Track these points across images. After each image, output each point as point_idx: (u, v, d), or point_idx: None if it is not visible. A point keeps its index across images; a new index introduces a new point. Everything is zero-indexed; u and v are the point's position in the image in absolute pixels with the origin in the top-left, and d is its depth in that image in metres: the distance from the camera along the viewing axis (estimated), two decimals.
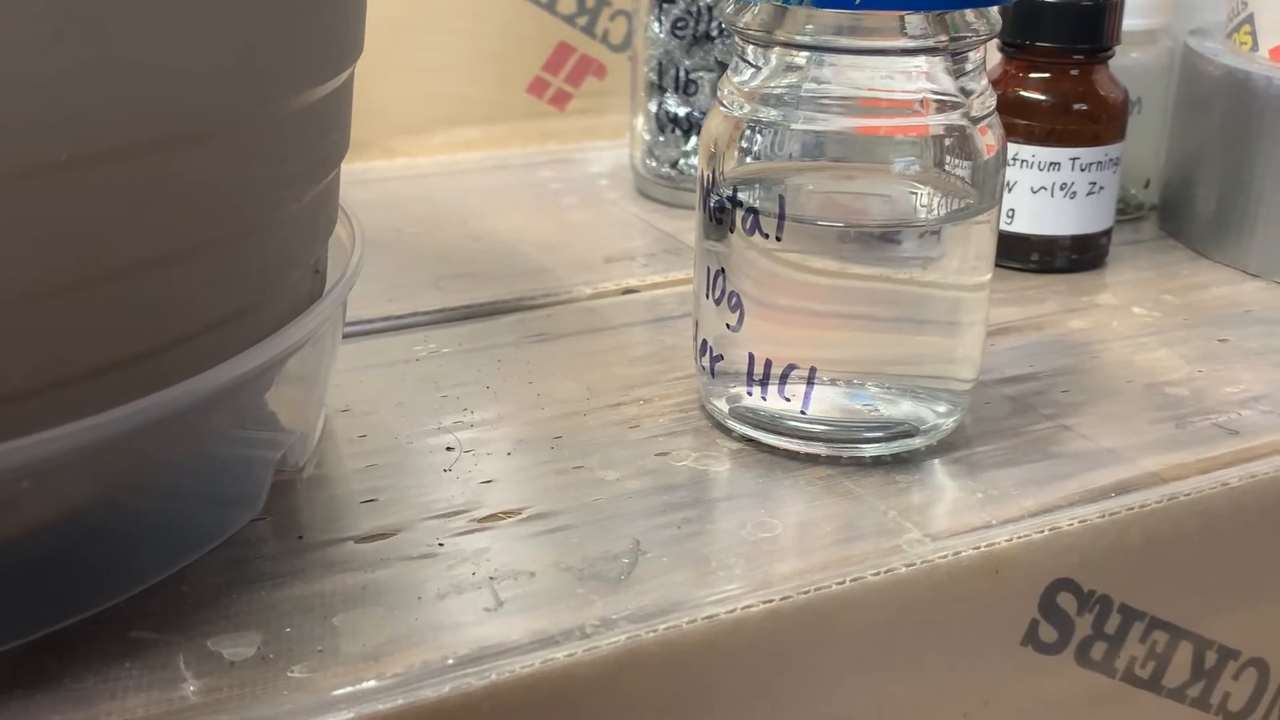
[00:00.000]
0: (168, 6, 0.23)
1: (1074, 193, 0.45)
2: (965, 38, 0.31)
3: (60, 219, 0.23)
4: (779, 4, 0.30)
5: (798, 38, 0.31)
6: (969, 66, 0.32)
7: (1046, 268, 0.46)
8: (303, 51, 0.27)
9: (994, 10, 0.31)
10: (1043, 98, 0.45)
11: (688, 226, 0.50)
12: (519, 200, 0.54)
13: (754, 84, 0.32)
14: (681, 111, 0.51)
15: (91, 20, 0.22)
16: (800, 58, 0.32)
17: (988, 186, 0.32)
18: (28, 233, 0.22)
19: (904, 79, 0.31)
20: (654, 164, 0.53)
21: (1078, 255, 0.46)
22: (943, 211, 0.32)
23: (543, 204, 0.54)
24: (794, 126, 0.32)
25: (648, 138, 0.53)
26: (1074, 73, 0.45)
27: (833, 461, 0.33)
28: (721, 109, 0.33)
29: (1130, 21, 0.47)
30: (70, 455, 0.24)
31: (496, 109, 0.60)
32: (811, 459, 0.33)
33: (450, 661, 0.25)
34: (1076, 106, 0.45)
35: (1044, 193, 0.45)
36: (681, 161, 0.52)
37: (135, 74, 0.23)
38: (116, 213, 0.23)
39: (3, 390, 0.23)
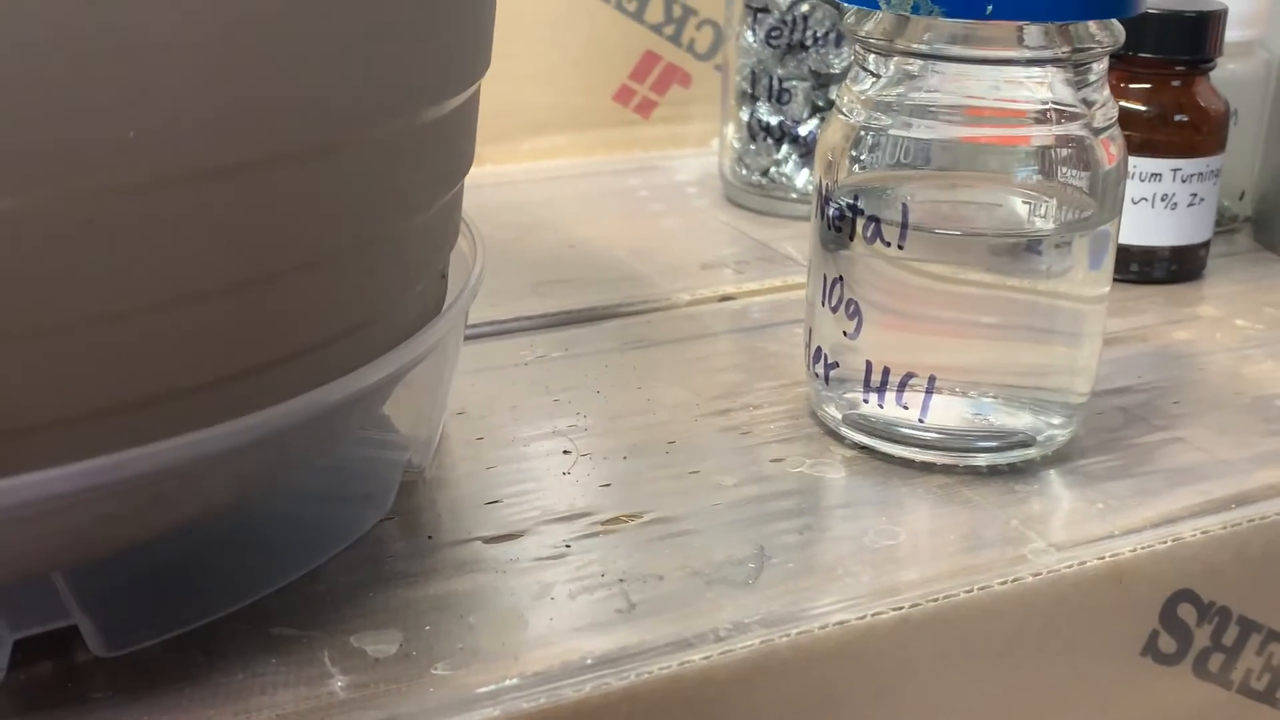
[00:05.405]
0: (327, 20, 0.23)
1: (1175, 204, 0.44)
2: (1089, 49, 0.31)
3: (217, 224, 0.23)
4: (904, 13, 0.31)
5: (916, 46, 0.31)
6: (1092, 77, 0.32)
7: (1145, 278, 0.46)
8: (442, 64, 0.28)
9: (1117, 22, 0.31)
10: (1143, 108, 0.45)
11: (779, 235, 0.50)
12: (608, 207, 0.54)
13: (872, 92, 0.32)
14: (773, 120, 0.52)
15: (254, 31, 0.22)
16: (915, 66, 0.32)
17: (1109, 197, 0.32)
18: (185, 236, 0.23)
19: (1017, 88, 0.31)
20: (744, 172, 0.53)
21: (1176, 266, 0.46)
22: (1061, 222, 0.32)
23: (632, 211, 0.54)
24: (908, 134, 0.32)
25: (738, 146, 0.53)
26: (1175, 84, 0.45)
27: (948, 470, 0.33)
28: (840, 116, 0.33)
29: (1227, 33, 0.46)
30: (214, 459, 0.24)
31: (583, 117, 0.60)
32: (926, 467, 0.33)
33: (589, 662, 0.25)
34: (1177, 118, 0.44)
35: (1145, 203, 0.45)
36: (773, 169, 0.52)
37: (297, 83, 0.23)
38: (271, 218, 0.24)
39: (154, 391, 0.24)
